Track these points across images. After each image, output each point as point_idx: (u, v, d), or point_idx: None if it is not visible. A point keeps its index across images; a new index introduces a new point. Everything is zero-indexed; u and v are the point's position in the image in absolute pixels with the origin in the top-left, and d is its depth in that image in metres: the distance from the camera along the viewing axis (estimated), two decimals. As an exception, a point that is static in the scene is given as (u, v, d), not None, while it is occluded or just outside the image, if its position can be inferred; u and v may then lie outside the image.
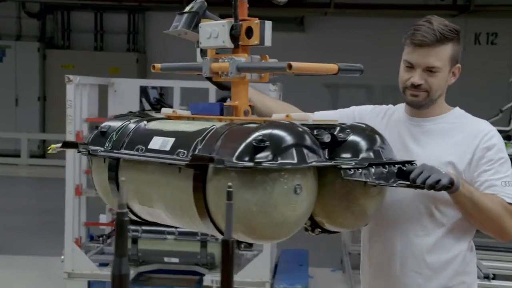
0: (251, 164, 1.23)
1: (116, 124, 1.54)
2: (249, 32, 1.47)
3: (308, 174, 1.31)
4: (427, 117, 1.80)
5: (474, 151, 1.72)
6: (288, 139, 1.28)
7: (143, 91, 5.34)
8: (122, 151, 1.47)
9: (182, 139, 1.39)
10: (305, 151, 1.29)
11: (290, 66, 1.36)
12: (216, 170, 1.28)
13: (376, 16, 9.60)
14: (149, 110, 4.76)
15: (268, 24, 1.46)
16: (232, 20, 1.46)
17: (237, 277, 4.10)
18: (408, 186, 1.49)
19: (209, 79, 1.61)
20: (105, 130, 1.53)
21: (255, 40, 1.47)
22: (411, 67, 1.71)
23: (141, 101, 5.23)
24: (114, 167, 1.49)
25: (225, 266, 0.97)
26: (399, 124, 1.82)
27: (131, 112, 1.75)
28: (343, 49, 10.07)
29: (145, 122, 1.51)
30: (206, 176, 1.30)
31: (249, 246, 4.37)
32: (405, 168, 1.50)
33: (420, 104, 1.76)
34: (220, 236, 1.33)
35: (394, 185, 1.46)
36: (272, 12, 9.62)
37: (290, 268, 4.53)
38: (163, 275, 4.41)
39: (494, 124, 2.21)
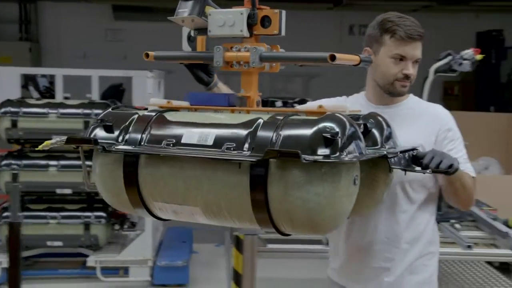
0: (336, 157, 1.22)
1: (121, 117, 1.45)
2: (265, 21, 1.45)
3: (358, 165, 1.33)
4: (392, 103, 1.91)
5: (437, 133, 1.86)
6: (351, 131, 1.27)
7: (32, 79, 5.40)
8: (146, 146, 1.37)
9: (226, 133, 1.32)
10: (360, 143, 1.30)
11: (333, 57, 1.36)
12: (282, 164, 1.23)
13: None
14: (38, 99, 4.87)
15: (284, 14, 1.44)
16: (248, 8, 1.43)
17: (120, 256, 4.37)
18: (433, 171, 1.59)
19: (190, 69, 1.65)
20: (110, 124, 1.43)
21: (274, 30, 1.45)
22: (401, 59, 1.80)
23: (28, 89, 5.31)
24: (132, 163, 1.39)
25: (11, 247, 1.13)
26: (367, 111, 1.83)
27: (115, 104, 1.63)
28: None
29: (159, 115, 1.42)
30: (267, 171, 1.24)
31: (133, 226, 4.66)
32: (416, 154, 1.59)
33: (405, 93, 1.88)
34: (276, 233, 1.33)
35: (424, 171, 1.57)
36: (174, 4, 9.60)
37: (174, 245, 4.73)
38: (48, 259, 4.56)
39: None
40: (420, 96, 2.77)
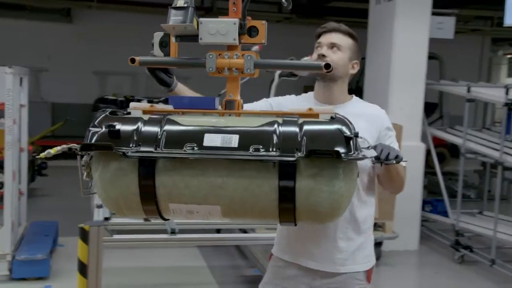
0: (359, 155, 1.38)
1: (127, 123, 1.43)
2: (251, 31, 1.54)
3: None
4: (336, 103, 2.03)
5: (379, 130, 2.02)
6: (355, 132, 1.42)
7: None
8: (165, 150, 1.38)
9: (250, 135, 1.39)
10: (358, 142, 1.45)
11: (328, 67, 1.52)
12: (311, 162, 1.34)
13: (135, 12, 10.25)
14: None
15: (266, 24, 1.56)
16: (237, 19, 1.51)
17: (-22, 253, 4.28)
18: (385, 161, 1.72)
19: (152, 72, 1.71)
20: (117, 131, 1.41)
21: (261, 39, 1.55)
22: (318, 46, 2.03)
23: None
24: (149, 168, 1.39)
25: None
26: None
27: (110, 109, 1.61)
28: (109, 41, 10.50)
29: (167, 119, 1.44)
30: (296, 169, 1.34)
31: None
32: (371, 148, 1.72)
33: (325, 76, 1.96)
34: (292, 224, 1.43)
35: (379, 161, 1.71)
36: (40, 3, 9.59)
37: (36, 239, 4.68)
38: None
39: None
40: (269, 97, 3.15)
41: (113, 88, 11.10)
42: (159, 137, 1.40)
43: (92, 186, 1.54)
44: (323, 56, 2.00)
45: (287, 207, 1.39)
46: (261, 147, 1.35)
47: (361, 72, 8.90)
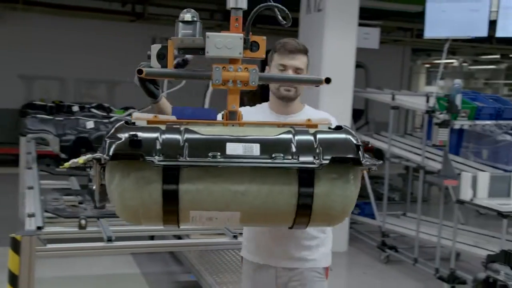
0: (379, 162, 1.48)
1: (147, 132, 1.44)
2: (253, 46, 1.61)
3: None
4: (291, 113, 2.18)
5: None
6: (362, 140, 1.51)
7: None
8: (189, 159, 1.41)
9: (270, 144, 1.45)
10: None
11: (328, 81, 1.62)
12: (327, 168, 1.42)
13: (63, 16, 10.03)
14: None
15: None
16: (242, 34, 1.57)
17: None
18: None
19: (143, 83, 1.77)
20: (139, 140, 1.40)
21: (262, 54, 1.62)
22: (283, 69, 2.14)
23: None
24: (174, 176, 1.41)
25: None
26: (269, 119, 2.11)
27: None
28: (35, 44, 10.18)
29: (184, 129, 1.46)
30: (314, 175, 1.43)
31: None
32: None
33: (291, 97, 2.15)
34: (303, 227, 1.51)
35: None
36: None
37: None
38: None
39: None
40: (203, 104, 3.20)
41: (41, 93, 10.76)
42: (182, 146, 1.42)
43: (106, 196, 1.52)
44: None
45: (304, 212, 1.47)
46: (282, 155, 1.42)
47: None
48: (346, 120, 5.80)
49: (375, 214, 6.02)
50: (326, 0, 5.49)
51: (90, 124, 4.00)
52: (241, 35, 1.57)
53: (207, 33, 1.55)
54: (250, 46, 1.60)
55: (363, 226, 6.38)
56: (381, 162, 1.60)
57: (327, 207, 1.48)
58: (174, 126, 1.48)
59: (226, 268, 4.29)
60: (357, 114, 9.32)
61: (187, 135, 1.44)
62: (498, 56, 14.89)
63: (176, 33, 1.57)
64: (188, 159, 1.41)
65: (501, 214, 4.32)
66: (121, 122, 1.49)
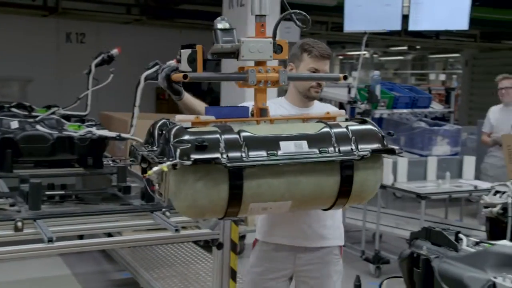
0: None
1: (211, 137, 1.55)
2: (277, 49, 1.78)
3: None
4: (308, 107, 2.39)
5: None
6: (385, 131, 1.76)
7: None
8: (252, 158, 1.55)
9: (315, 140, 1.64)
10: None
11: (345, 77, 1.85)
12: (364, 159, 1.64)
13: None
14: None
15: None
16: (270, 38, 1.76)
17: None
18: None
19: (169, 82, 1.94)
20: (205, 144, 1.51)
21: (285, 56, 1.81)
22: (314, 72, 2.27)
23: None
24: (240, 174, 1.55)
25: None
26: (291, 112, 2.27)
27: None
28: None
29: (238, 131, 1.60)
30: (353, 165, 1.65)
31: None
32: None
33: (318, 97, 2.40)
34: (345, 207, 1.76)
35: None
36: None
37: None
38: None
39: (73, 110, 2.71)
40: (134, 100, 3.16)
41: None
42: (242, 147, 1.56)
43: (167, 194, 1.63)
44: (320, 85, 2.38)
45: (345, 196, 1.70)
46: (326, 149, 1.63)
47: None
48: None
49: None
50: (248, -5, 5.58)
51: (14, 124, 3.85)
52: (271, 39, 1.75)
53: (242, 39, 1.72)
54: (276, 49, 1.77)
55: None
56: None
57: (363, 190, 1.72)
58: (227, 128, 1.61)
59: (161, 263, 4.30)
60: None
61: (244, 136, 1.58)
62: (405, 48, 15.70)
63: (216, 40, 1.71)
64: (250, 159, 1.55)
65: (419, 196, 4.64)
66: (178, 126, 1.59)
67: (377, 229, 5.04)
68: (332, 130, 1.68)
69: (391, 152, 1.72)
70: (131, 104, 3.35)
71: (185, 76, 1.71)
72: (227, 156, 1.53)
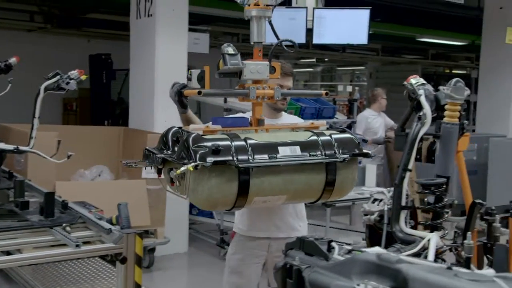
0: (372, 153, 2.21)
1: (224, 143, 1.86)
2: (271, 69, 2.07)
3: None
4: (277, 117, 2.79)
5: None
6: (360, 137, 2.42)
7: None
8: (257, 160, 1.87)
9: (306, 146, 1.98)
10: None
11: (327, 94, 2.38)
12: (345, 161, 1.98)
13: None
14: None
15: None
16: (267, 62, 2.05)
17: None
18: None
19: (180, 97, 2.25)
20: (220, 149, 1.82)
21: (277, 75, 2.14)
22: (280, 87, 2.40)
23: None
24: (247, 173, 1.87)
25: None
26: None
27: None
28: None
29: (244, 138, 1.91)
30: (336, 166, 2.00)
31: None
32: None
33: (284, 108, 2.83)
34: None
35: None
36: None
37: None
38: None
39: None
40: (34, 111, 3.03)
41: None
42: (248, 150, 1.88)
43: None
44: (286, 98, 2.81)
45: (329, 191, 2.05)
46: (315, 152, 1.97)
47: (122, 83, 9.05)
48: (181, 123, 5.89)
49: (213, 213, 6.22)
50: (156, 6, 5.54)
51: None
52: (267, 62, 2.07)
53: (245, 62, 2.03)
54: (270, 70, 2.08)
55: (202, 226, 6.55)
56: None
57: (343, 187, 2.08)
58: (235, 135, 1.93)
59: (65, 280, 4.13)
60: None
61: (250, 142, 1.91)
62: (314, 60, 16.21)
63: (224, 62, 2.03)
64: (255, 160, 1.88)
65: (324, 204, 4.78)
66: (195, 134, 1.89)
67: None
68: (319, 138, 2.02)
69: (367, 155, 2.08)
70: (31, 115, 3.22)
71: (199, 92, 2.04)
72: (237, 158, 1.84)
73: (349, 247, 1.40)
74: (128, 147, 5.82)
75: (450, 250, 1.76)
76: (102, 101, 9.67)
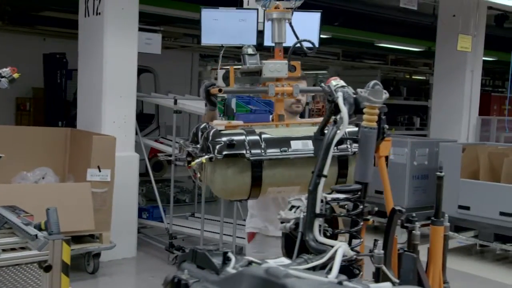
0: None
1: (238, 137, 2.01)
2: (291, 68, 2.22)
3: None
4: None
5: None
6: None
7: None
8: (269, 154, 2.01)
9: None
10: None
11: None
12: (355, 154, 1.99)
13: None
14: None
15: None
16: (286, 61, 2.21)
17: None
18: None
19: (208, 95, 2.34)
20: (234, 143, 1.98)
21: (298, 73, 2.28)
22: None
23: None
24: (260, 165, 2.00)
25: None
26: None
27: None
28: None
29: (259, 133, 2.05)
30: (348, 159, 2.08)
31: None
32: None
33: (300, 112, 2.85)
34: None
35: None
36: None
37: None
38: None
39: None
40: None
41: None
42: (262, 144, 2.01)
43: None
44: (299, 101, 2.81)
45: (342, 183, 2.06)
46: None
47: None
48: (130, 125, 5.76)
49: (162, 217, 6.09)
50: (104, 4, 5.39)
51: None
52: (286, 61, 2.21)
53: (263, 61, 2.21)
54: (290, 68, 2.21)
55: (152, 230, 6.41)
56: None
57: (352, 176, 2.02)
58: (251, 130, 2.07)
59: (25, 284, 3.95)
60: (148, 119, 9.36)
61: (264, 137, 2.03)
62: (277, 64, 16.18)
63: (244, 62, 2.23)
64: (267, 154, 2.01)
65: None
66: (214, 129, 2.06)
67: (233, 242, 5.06)
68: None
69: None
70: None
71: (220, 90, 2.21)
72: (250, 151, 1.98)
73: (250, 259, 1.32)
74: (75, 148, 5.64)
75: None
76: (57, 102, 9.41)
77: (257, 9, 5.57)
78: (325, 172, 1.63)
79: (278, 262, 1.35)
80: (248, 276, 1.12)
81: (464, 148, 6.46)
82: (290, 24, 2.28)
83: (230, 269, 1.25)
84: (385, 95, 1.70)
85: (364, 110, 1.70)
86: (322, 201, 1.63)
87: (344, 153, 2.08)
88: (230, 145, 1.98)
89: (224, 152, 1.97)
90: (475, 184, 6.17)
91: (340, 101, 1.68)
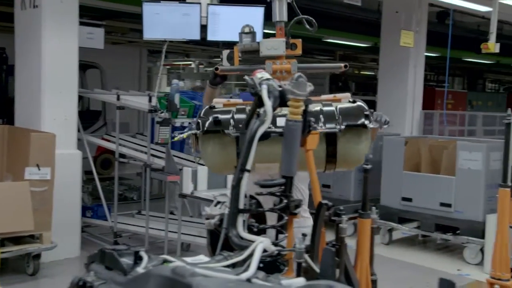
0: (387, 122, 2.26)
1: (225, 116, 2.06)
2: (292, 46, 2.24)
3: None
4: None
5: None
6: (370, 109, 2.13)
7: None
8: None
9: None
10: None
11: (346, 66, 2.37)
12: (345, 131, 2.01)
13: None
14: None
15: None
16: (284, 38, 2.21)
17: None
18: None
19: (215, 74, 2.42)
20: (219, 120, 2.04)
21: (298, 51, 2.28)
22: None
23: None
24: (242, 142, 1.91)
25: None
26: None
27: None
28: None
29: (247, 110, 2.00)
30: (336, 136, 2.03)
31: None
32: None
33: None
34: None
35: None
36: None
37: None
38: None
39: None
40: None
41: None
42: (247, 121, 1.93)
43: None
44: None
45: (332, 160, 2.08)
46: (315, 124, 1.91)
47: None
48: (72, 122, 5.59)
49: (107, 216, 5.97)
50: (42, -4, 5.22)
51: None
52: (284, 39, 2.20)
53: (261, 40, 2.21)
54: (290, 46, 2.23)
55: (97, 229, 6.27)
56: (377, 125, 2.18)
57: (346, 158, 2.09)
58: (242, 108, 2.08)
59: None
60: (95, 116, 9.14)
61: (250, 116, 1.90)
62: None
63: (240, 41, 2.25)
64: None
65: (220, 203, 4.68)
66: (206, 107, 2.13)
67: (178, 239, 5.00)
68: (323, 109, 2.04)
69: (363, 126, 2.05)
70: None
71: (216, 69, 2.31)
72: (235, 128, 2.02)
73: (164, 257, 1.28)
74: (13, 146, 5.44)
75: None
76: (-1, 99, 9.07)
77: (200, 3, 5.54)
78: (248, 166, 1.61)
79: (196, 260, 1.32)
80: (154, 276, 1.08)
81: (407, 141, 6.60)
82: (292, 3, 2.31)
83: (140, 269, 1.20)
84: (310, 87, 1.69)
85: (289, 103, 1.69)
86: (245, 196, 1.60)
87: (332, 131, 2.03)
88: (216, 122, 2.05)
89: (205, 129, 2.05)
90: (417, 176, 6.31)
91: (264, 94, 1.66)
